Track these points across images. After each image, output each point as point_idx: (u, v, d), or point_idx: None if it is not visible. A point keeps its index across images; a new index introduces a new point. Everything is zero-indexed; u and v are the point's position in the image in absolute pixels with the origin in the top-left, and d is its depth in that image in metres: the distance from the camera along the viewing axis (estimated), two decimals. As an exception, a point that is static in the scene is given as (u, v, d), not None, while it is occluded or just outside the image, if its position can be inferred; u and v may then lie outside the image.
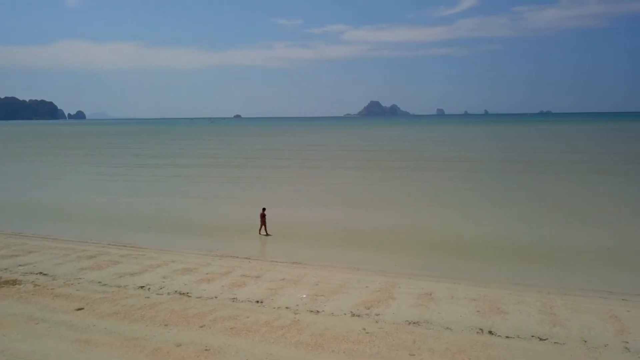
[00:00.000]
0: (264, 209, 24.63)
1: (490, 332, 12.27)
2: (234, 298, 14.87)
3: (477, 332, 12.28)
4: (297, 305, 14.25)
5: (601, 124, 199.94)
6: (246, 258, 20.09)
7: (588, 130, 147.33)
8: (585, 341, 11.73)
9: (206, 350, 11.37)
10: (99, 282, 16.45)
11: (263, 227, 24.32)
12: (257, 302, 14.53)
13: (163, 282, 16.50)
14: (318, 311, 13.75)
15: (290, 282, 16.49)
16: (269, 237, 23.90)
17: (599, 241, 22.34)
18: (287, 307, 14.05)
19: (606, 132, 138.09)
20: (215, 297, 14.94)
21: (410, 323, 12.87)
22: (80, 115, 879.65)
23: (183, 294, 15.29)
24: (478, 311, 13.67)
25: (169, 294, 15.30)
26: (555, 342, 11.68)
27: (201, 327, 12.68)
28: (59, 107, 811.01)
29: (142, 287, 15.98)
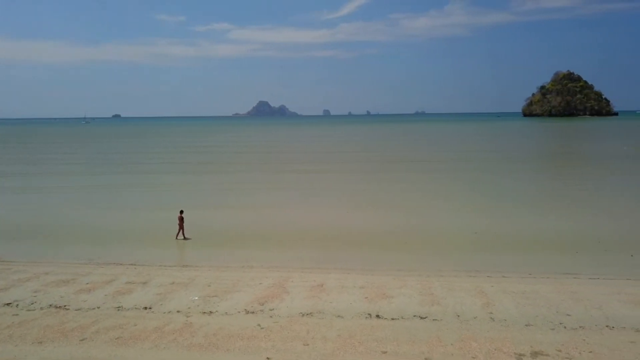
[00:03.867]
0: (181, 212, 23.40)
1: (377, 316, 13.07)
2: (119, 307, 13.97)
3: (366, 317, 13.00)
4: (189, 307, 13.83)
5: (465, 123, 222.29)
6: (131, 264, 18.95)
7: (450, 129, 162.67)
8: (459, 315, 13.05)
9: (89, 364, 10.56)
10: (-47, 303, 14.36)
11: (181, 231, 23.08)
12: (145, 308, 13.82)
13: (35, 296, 14.91)
14: (211, 312, 13.49)
15: (181, 285, 15.93)
16: (161, 241, 22.75)
17: (467, 227, 24.85)
18: (178, 311, 13.57)
19: (472, 130, 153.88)
20: (98, 308, 13.90)
21: (303, 315, 13.21)
22: None
23: (59, 307, 13.97)
24: (366, 297, 14.47)
25: (42, 309, 13.87)
26: (433, 319, 12.81)
27: (82, 340, 11.72)
28: None
29: (8, 304, 14.27)
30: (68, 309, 13.80)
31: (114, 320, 12.88)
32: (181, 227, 23.07)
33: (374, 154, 74.24)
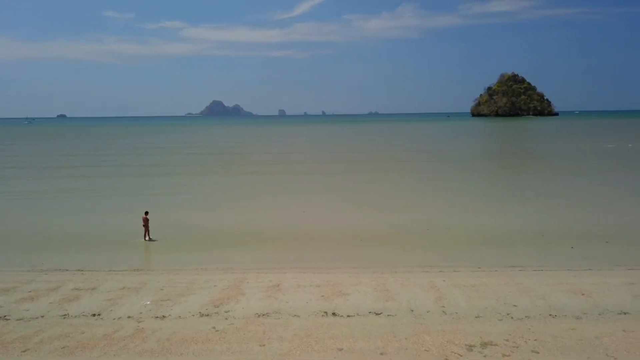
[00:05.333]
0: (146, 213, 22.76)
1: (333, 314, 13.15)
2: (65, 314, 13.34)
3: (322, 315, 13.06)
4: (141, 313, 13.40)
5: (416, 123, 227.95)
6: (78, 270, 18.15)
7: (403, 129, 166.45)
8: (412, 310, 13.34)
9: (32, 376, 10.02)
10: None
11: (147, 232, 22.57)
12: (94, 315, 13.28)
13: (-30, 307, 13.99)
14: (164, 316, 13.14)
15: (132, 290, 15.41)
16: (111, 246, 21.94)
17: (420, 224, 25.46)
18: (129, 317, 13.12)
19: (424, 129, 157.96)
20: (42, 317, 13.21)
21: (259, 315, 13.10)
22: None
23: (-1, 317, 13.18)
24: (322, 296, 14.54)
25: (-21, 320, 13.04)
26: (388, 315, 13.04)
27: (24, 351, 11.11)
28: None
29: (-59, 316, 13.32)
30: (8, 319, 13.04)
31: (59, 329, 12.28)
32: (147, 227, 22.64)
33: (330, 154, 74.75)
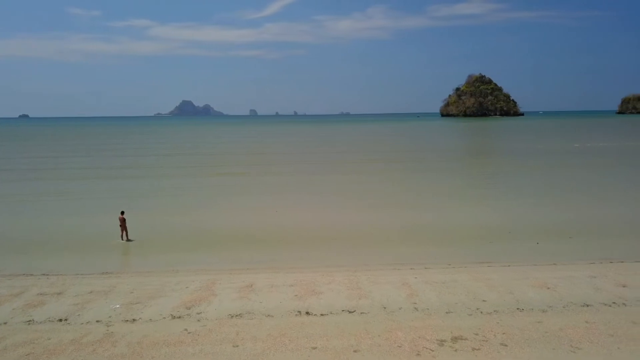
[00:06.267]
0: (122, 213, 22.34)
1: (307, 313, 13.18)
2: (29, 320, 12.91)
3: (296, 315, 13.07)
4: (110, 317, 13.10)
5: (387, 123, 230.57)
6: (44, 274, 17.57)
7: (374, 130, 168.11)
8: (385, 307, 13.50)
9: (-5, 384, 9.68)
10: None
11: (124, 232, 22.17)
12: (61, 320, 12.90)
13: None
14: (134, 319, 12.88)
15: (101, 293, 15.05)
16: (78, 249, 21.34)
17: (392, 222, 25.77)
18: (97, 321, 12.81)
19: (394, 130, 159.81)
20: (5, 323, 12.75)
21: (232, 316, 13.01)
22: None
23: (-42, 325, 12.65)
24: (296, 295, 14.54)
25: (-63, 328, 12.48)
26: (361, 313, 13.15)
27: (-13, 359, 10.70)
28: None
29: None
30: (-31, 327, 12.53)
31: (24, 336, 11.88)
32: (124, 227, 22.32)
33: (302, 154, 74.77)
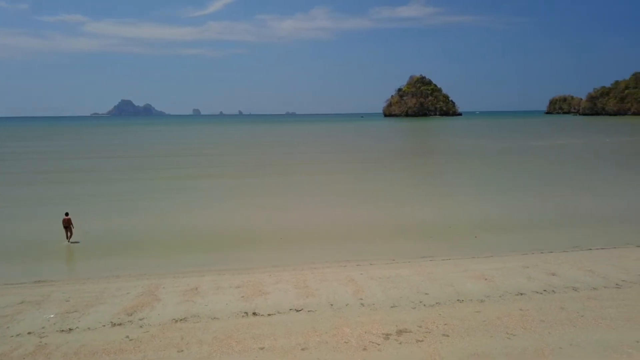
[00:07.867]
0: (66, 214, 21.31)
1: (254, 314, 13.06)
2: (-49, 336, 11.93)
3: (243, 316, 12.91)
4: (43, 327, 12.36)
5: (331, 123, 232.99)
6: (-33, 286, 16.31)
7: (319, 129, 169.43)
8: (332, 305, 13.63)
9: None
10: None
11: (69, 233, 21.25)
12: (-13, 334, 12.02)
13: None
14: (71, 329, 12.23)
15: (32, 303, 14.16)
16: (6, 257, 19.94)
17: (338, 220, 26.06)
18: (29, 333, 12.04)
19: (340, 129, 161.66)
20: None
21: (177, 321, 12.66)
22: None
23: None
24: (242, 296, 14.38)
25: None
26: (309, 311, 13.21)
27: None
28: None
29: None
30: None
31: (-55, 353, 10.97)
32: (69, 229, 21.44)
33: (246, 155, 73.97)
